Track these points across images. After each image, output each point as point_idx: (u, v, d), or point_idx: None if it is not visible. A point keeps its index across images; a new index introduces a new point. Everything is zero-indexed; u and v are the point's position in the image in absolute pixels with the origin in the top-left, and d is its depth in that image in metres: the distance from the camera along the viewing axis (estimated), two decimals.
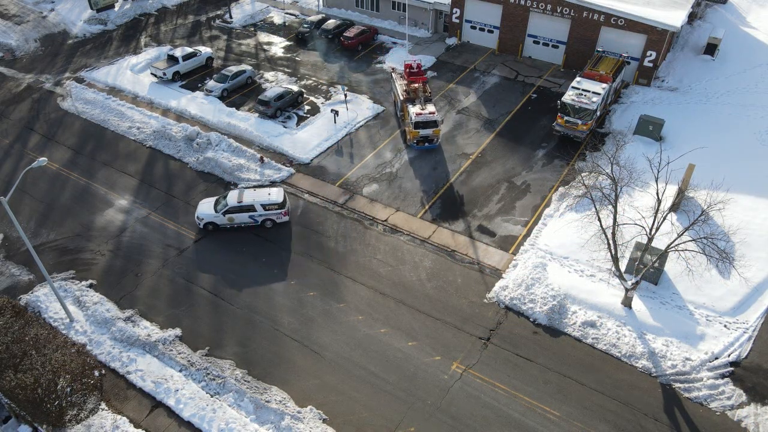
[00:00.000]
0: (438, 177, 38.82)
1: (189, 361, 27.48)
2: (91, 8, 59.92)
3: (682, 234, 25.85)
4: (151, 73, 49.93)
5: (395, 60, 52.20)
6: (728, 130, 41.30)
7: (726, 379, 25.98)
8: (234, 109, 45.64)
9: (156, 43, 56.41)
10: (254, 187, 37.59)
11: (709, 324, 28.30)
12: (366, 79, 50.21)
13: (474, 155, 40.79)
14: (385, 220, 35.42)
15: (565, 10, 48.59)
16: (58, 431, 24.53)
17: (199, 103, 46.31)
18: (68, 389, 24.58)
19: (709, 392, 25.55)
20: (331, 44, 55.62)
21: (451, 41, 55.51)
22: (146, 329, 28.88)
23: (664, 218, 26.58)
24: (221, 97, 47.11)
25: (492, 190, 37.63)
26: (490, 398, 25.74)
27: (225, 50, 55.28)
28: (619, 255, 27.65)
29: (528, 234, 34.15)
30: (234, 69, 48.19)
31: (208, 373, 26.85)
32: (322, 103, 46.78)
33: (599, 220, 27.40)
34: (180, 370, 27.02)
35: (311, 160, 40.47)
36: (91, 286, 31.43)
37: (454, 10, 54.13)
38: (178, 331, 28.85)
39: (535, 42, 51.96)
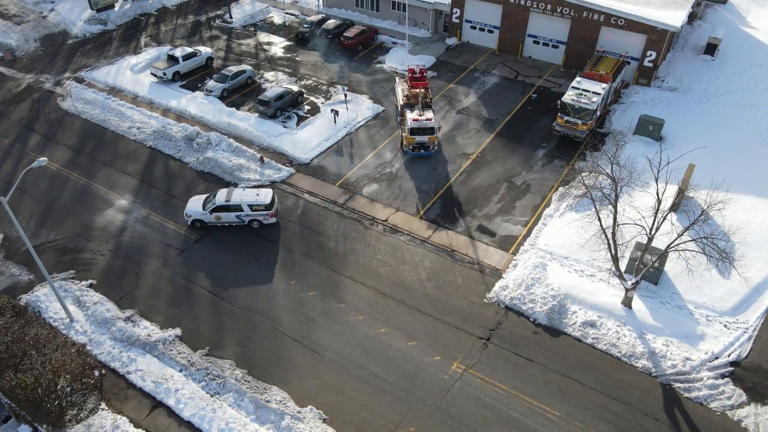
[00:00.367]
0: (438, 177, 38.82)
1: (189, 361, 27.48)
2: (91, 8, 59.93)
3: (682, 234, 25.85)
4: (151, 73, 49.93)
5: (395, 60, 52.21)
6: (728, 130, 41.31)
7: (726, 379, 25.98)
8: (234, 109, 45.65)
9: (156, 43, 56.42)
10: (254, 186, 37.61)
11: (709, 324, 28.30)
12: (366, 79, 50.21)
13: (474, 155, 40.79)
14: (385, 220, 35.42)
15: (565, 10, 48.60)
16: (58, 431, 24.53)
17: (199, 103, 46.31)
18: (68, 389, 24.59)
19: (709, 392, 25.55)
20: (331, 44, 55.62)
21: (451, 41, 55.51)
22: (146, 329, 28.88)
23: (664, 218, 26.58)
24: (221, 97, 47.11)
25: (492, 190, 37.63)
26: (490, 398, 25.74)
27: (225, 50, 55.29)
28: (619, 255, 27.65)
29: (528, 234, 34.15)
30: (234, 69, 48.20)
31: (208, 373, 26.85)
32: (322, 103, 46.79)
33: (599, 220, 27.40)
34: (180, 370, 27.02)
35: (311, 160, 40.47)
36: (91, 286, 31.43)
37: (454, 10, 54.13)
38: (178, 331, 28.86)
39: (535, 42, 51.96)
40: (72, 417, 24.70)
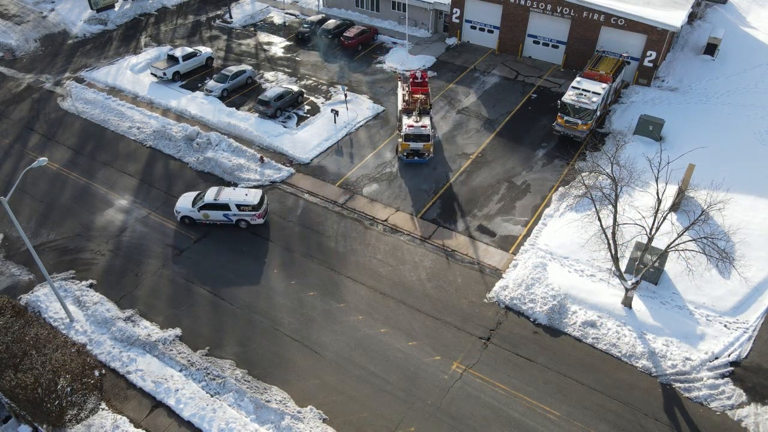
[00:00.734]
0: (438, 177, 38.83)
1: (189, 360, 27.48)
2: (91, 8, 59.93)
3: (682, 234, 25.85)
4: (151, 73, 49.93)
5: (395, 60, 52.22)
6: (728, 130, 41.31)
7: (726, 379, 25.98)
8: (234, 109, 45.65)
9: (156, 43, 56.42)
10: (254, 186, 37.61)
11: (709, 324, 28.30)
12: (366, 79, 50.21)
13: (474, 155, 40.79)
14: (385, 220, 35.42)
15: (565, 10, 48.60)
16: (58, 431, 24.53)
17: (199, 103, 46.31)
18: (68, 389, 24.59)
19: (709, 392, 25.55)
20: (331, 44, 55.62)
21: (451, 41, 55.52)
22: (146, 329, 28.88)
23: (664, 218, 26.58)
24: (221, 97, 47.11)
25: (492, 190, 37.63)
26: (491, 398, 25.74)
27: (225, 50, 55.29)
28: (619, 255, 27.65)
29: (528, 234, 34.15)
30: (234, 69, 48.19)
31: (208, 373, 26.85)
32: (322, 103, 46.79)
33: (599, 219, 27.40)
34: (180, 370, 27.02)
35: (311, 160, 40.47)
36: (91, 286, 31.43)
37: (454, 10, 54.14)
38: (178, 331, 28.86)
39: (535, 42, 51.97)
40: (72, 417, 24.70)
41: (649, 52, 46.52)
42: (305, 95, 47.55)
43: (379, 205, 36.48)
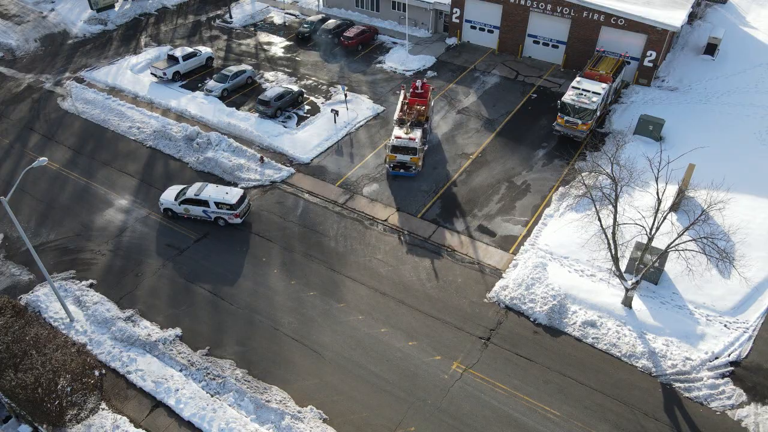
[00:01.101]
0: (438, 177, 38.82)
1: (189, 360, 27.48)
2: (91, 8, 59.94)
3: (682, 234, 25.85)
4: (151, 73, 49.93)
5: (395, 60, 52.22)
6: (728, 130, 41.32)
7: (726, 379, 25.98)
8: (234, 109, 45.64)
9: (156, 43, 56.42)
10: (254, 187, 37.60)
11: (710, 324, 28.30)
12: (366, 79, 50.21)
13: (474, 155, 40.78)
14: (385, 220, 35.42)
15: (565, 10, 48.60)
16: (59, 431, 24.53)
17: (199, 103, 46.31)
18: (68, 389, 24.60)
19: (709, 392, 25.55)
20: (331, 44, 55.62)
21: (451, 41, 55.52)
22: (146, 329, 28.88)
23: (664, 218, 26.58)
24: (221, 97, 47.11)
25: (492, 189, 37.63)
26: (491, 398, 25.75)
27: (225, 50, 55.28)
28: (619, 255, 27.65)
29: (528, 234, 34.15)
30: (234, 69, 48.19)
31: (209, 373, 26.84)
32: (322, 103, 46.79)
33: (599, 219, 27.40)
34: (180, 370, 27.02)
35: (311, 160, 40.47)
36: (91, 285, 31.43)
37: (454, 10, 54.13)
38: (178, 331, 28.86)
39: (535, 42, 51.96)
40: (72, 417, 24.71)
41: (649, 52, 46.52)
42: (305, 95, 47.55)
43: (379, 205, 36.48)
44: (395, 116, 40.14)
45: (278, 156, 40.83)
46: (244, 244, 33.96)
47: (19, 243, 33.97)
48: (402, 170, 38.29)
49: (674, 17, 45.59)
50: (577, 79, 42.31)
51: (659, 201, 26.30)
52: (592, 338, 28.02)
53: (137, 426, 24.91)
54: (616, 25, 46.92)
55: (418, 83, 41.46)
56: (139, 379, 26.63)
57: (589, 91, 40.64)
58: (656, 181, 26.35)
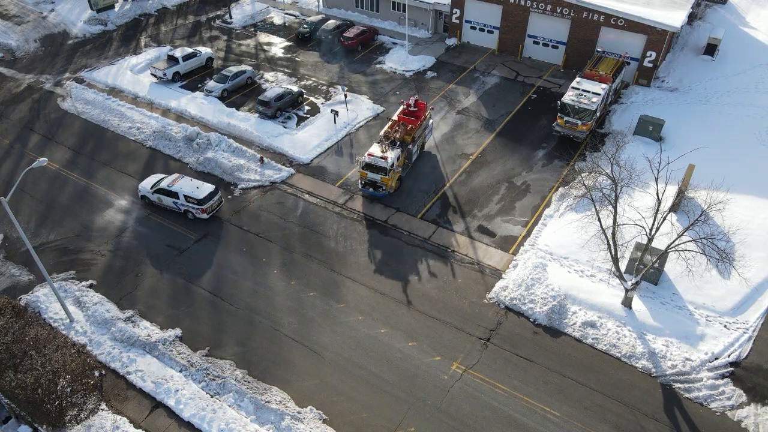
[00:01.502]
0: (438, 177, 38.82)
1: (189, 361, 27.47)
2: (91, 8, 59.94)
3: (682, 234, 25.85)
4: (151, 74, 49.93)
5: (395, 60, 52.21)
6: (728, 130, 41.32)
7: (726, 380, 25.97)
8: (234, 109, 45.64)
9: (156, 44, 56.42)
10: (255, 187, 37.57)
11: (709, 324, 28.30)
12: (366, 79, 50.21)
13: (474, 155, 40.79)
14: (385, 220, 35.41)
15: (565, 11, 48.60)
16: (58, 431, 24.53)
17: (199, 104, 46.31)
18: (68, 389, 24.59)
19: (709, 392, 25.54)
20: (331, 44, 55.61)
21: (451, 41, 55.51)
22: (146, 329, 28.87)
23: (664, 218, 26.57)
24: (221, 98, 47.11)
25: (492, 190, 37.62)
26: (491, 398, 25.74)
27: (225, 50, 55.29)
28: (619, 255, 27.65)
29: (528, 234, 34.15)
30: (234, 69, 48.20)
31: (208, 374, 26.84)
32: (322, 103, 46.79)
33: (599, 220, 27.39)
34: (180, 371, 27.01)
35: (311, 161, 40.47)
36: (91, 286, 31.42)
37: (454, 10, 54.13)
38: (178, 332, 28.85)
39: (535, 42, 51.96)
40: (72, 417, 24.69)
41: (649, 53, 46.52)
42: (305, 95, 47.55)
43: (379, 205, 36.46)
44: (381, 132, 37.79)
45: (278, 156, 40.83)
46: (244, 244, 33.95)
47: (19, 243, 33.97)
48: (371, 189, 36.11)
49: (674, 18, 45.59)
50: (577, 79, 42.31)
51: (659, 201, 26.30)
52: (592, 339, 28.02)
53: (137, 427, 24.90)
54: (616, 26, 46.92)
55: (412, 101, 38.33)
56: (139, 379, 26.63)
57: (589, 92, 40.64)
58: (656, 181, 26.35)
